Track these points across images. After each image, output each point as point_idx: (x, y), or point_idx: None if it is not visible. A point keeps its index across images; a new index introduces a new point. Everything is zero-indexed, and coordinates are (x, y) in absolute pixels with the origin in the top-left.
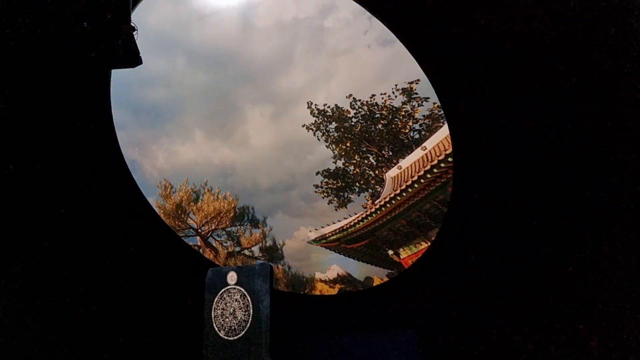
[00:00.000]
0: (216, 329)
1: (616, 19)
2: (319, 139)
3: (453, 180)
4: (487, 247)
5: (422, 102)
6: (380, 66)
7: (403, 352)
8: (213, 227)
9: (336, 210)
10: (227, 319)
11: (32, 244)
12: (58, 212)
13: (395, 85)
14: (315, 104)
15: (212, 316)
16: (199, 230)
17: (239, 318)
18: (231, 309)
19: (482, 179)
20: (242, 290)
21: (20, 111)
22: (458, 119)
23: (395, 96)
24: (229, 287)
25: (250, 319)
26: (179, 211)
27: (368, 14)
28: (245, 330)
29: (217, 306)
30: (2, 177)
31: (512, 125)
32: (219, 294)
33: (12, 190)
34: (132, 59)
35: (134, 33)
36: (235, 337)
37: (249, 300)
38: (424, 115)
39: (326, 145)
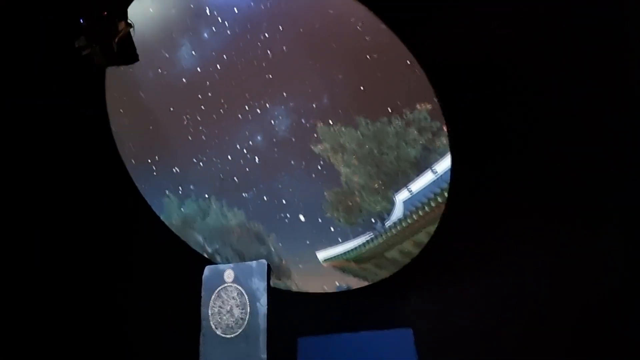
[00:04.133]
0: (213, 326)
1: (617, 19)
2: (327, 159)
3: (451, 178)
4: (485, 245)
5: (431, 128)
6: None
7: (400, 350)
8: (218, 245)
9: (345, 228)
10: (224, 317)
11: (31, 244)
12: (57, 212)
13: (405, 108)
14: (325, 123)
15: (209, 314)
16: (205, 247)
17: (235, 316)
18: (228, 307)
19: (481, 178)
20: (239, 288)
21: (15, 111)
22: (457, 119)
23: (406, 116)
24: (225, 285)
25: (247, 316)
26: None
27: None
28: (242, 328)
29: (214, 304)
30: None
31: (511, 126)
32: (216, 291)
33: (9, 190)
34: (128, 56)
35: (131, 30)
36: (232, 335)
37: (246, 298)
38: (432, 138)
39: (335, 166)
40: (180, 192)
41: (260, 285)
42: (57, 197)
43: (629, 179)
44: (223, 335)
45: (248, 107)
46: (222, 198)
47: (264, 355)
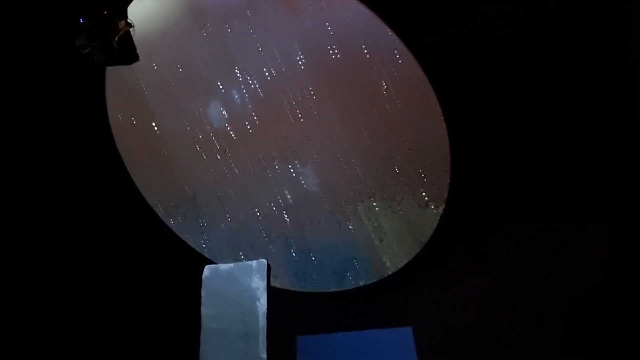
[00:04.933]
0: (213, 326)
1: (618, 19)
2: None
3: (451, 178)
4: (485, 245)
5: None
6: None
7: (399, 349)
8: None
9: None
10: (223, 317)
11: (31, 244)
12: (57, 212)
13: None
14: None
15: (209, 314)
16: None
17: (235, 315)
18: (228, 306)
19: (481, 178)
20: (239, 287)
21: (15, 111)
22: (457, 119)
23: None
24: (225, 284)
25: (247, 316)
26: None
27: None
28: (242, 327)
29: (214, 303)
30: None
31: (512, 125)
32: (216, 291)
33: (9, 190)
34: (128, 55)
35: (131, 29)
36: (232, 335)
37: (246, 297)
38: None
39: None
40: (208, 249)
41: (260, 285)
42: (57, 197)
43: (629, 179)
44: (223, 335)
45: (277, 165)
46: (250, 254)
47: (264, 355)
